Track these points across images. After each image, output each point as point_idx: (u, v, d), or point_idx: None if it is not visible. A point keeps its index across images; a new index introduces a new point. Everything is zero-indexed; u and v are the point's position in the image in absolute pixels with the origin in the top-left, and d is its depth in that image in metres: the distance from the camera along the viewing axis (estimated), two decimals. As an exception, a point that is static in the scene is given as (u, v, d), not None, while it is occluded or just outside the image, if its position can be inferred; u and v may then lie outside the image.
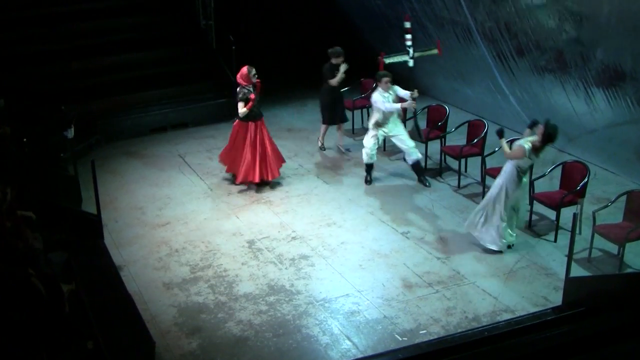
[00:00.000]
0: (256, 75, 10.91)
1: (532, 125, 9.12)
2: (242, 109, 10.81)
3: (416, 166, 11.38)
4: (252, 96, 10.77)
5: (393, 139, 11.28)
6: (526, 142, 8.86)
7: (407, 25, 11.24)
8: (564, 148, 12.08)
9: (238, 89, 10.90)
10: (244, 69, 10.87)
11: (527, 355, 6.73)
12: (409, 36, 11.16)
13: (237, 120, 11.14)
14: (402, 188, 11.33)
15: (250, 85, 10.88)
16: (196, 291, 8.61)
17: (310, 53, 17.69)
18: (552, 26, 10.86)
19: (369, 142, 11.20)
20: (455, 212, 10.43)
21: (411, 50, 11.14)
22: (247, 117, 10.95)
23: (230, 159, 11.36)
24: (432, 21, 13.73)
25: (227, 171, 11.60)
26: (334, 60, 12.11)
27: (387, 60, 11.04)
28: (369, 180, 11.45)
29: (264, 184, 11.28)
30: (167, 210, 10.72)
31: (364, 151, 11.29)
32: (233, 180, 11.42)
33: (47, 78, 13.94)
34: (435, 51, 11.48)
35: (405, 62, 11.23)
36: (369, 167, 11.46)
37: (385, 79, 10.89)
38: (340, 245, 9.64)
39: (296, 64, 17.45)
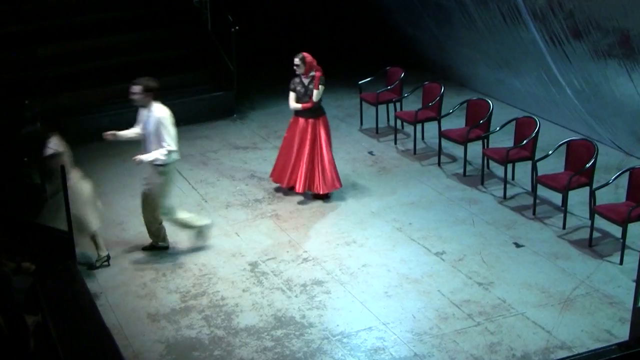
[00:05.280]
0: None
1: None
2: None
3: None
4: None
5: None
6: None
7: None
8: (632, 151, 12.05)
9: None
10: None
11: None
12: None
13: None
14: (436, 199, 11.38)
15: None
16: (188, 324, 8.65)
17: (327, 36, 17.78)
18: (614, 2, 10.87)
19: None
20: (500, 228, 10.43)
21: None
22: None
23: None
24: (472, -2, 13.77)
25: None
26: None
27: None
28: None
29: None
30: (152, 226, 10.78)
31: None
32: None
33: (7, 66, 14.03)
34: None
35: None
36: None
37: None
38: (361, 268, 9.67)
39: (311, 49, 17.47)
